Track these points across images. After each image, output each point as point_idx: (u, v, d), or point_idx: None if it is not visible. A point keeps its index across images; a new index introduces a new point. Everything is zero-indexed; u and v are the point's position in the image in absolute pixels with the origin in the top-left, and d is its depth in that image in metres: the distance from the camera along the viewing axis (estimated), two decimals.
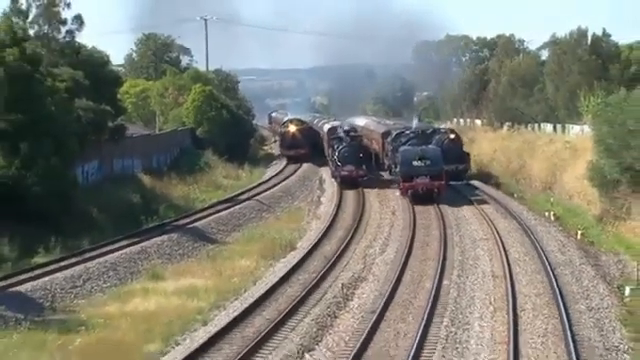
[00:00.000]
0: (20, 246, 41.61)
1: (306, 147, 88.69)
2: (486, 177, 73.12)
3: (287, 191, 70.36)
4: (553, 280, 35.92)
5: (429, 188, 59.80)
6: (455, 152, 70.37)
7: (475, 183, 70.01)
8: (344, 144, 70.80)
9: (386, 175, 74.38)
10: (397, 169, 64.66)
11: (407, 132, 71.02)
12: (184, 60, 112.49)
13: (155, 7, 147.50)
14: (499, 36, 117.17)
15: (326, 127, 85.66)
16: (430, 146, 64.52)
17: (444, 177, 61.16)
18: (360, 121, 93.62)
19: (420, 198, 59.00)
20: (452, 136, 73.26)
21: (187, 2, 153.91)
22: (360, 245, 46.49)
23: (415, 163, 60.67)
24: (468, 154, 73.92)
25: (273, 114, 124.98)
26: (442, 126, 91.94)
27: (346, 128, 76.73)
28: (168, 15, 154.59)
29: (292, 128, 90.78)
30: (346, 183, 68.32)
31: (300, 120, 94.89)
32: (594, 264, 40.23)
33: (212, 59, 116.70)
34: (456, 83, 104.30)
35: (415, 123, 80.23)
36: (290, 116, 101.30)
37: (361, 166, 69.87)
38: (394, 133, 72.98)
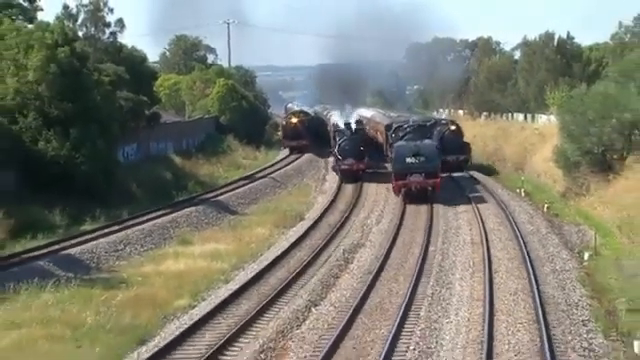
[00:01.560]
0: (70, 216, 41.74)
1: (307, 138, 78.70)
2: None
3: (297, 170, 70.16)
4: (523, 246, 35.93)
5: (423, 186, 49.25)
6: (456, 143, 62.58)
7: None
8: (344, 137, 61.02)
9: (390, 167, 64.30)
10: (391, 166, 54.11)
11: (405, 126, 59.21)
12: (210, 58, 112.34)
13: (174, 12, 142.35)
14: (479, 38, 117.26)
15: (333, 119, 75.91)
16: (426, 141, 52.61)
17: (439, 175, 50.85)
18: (367, 112, 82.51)
19: (413, 197, 49.58)
20: (453, 127, 64.91)
21: (208, 7, 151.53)
22: (359, 217, 46.55)
23: (409, 160, 49.82)
24: (469, 144, 65.49)
25: (288, 105, 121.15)
26: (443, 117, 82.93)
27: (347, 120, 67.07)
28: (188, 19, 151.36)
29: (294, 119, 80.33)
30: (346, 177, 59.76)
31: (304, 112, 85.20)
32: (558, 233, 40.23)
33: (233, 57, 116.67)
34: (443, 79, 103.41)
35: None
36: (305, 108, 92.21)
37: (362, 159, 60.26)
38: (394, 126, 61.94)
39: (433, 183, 49.46)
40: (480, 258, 34.30)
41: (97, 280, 32.05)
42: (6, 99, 44.66)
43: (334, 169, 63.20)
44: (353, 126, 64.70)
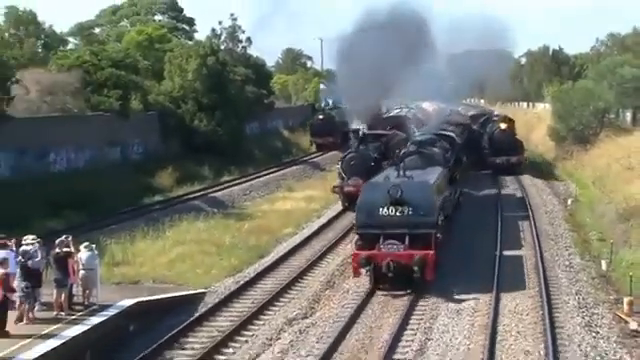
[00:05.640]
0: (214, 170, 42.36)
1: (334, 135, 52.64)
2: None
3: None
4: (525, 195, 35.40)
5: (404, 263, 19.11)
6: (506, 143, 41.58)
7: None
8: (351, 150, 32.61)
9: None
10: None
11: (418, 135, 30.43)
12: (309, 63, 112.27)
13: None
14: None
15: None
16: (419, 176, 21.65)
17: (436, 241, 19.62)
18: (429, 107, 49.35)
19: (387, 279, 19.74)
20: (503, 126, 42.50)
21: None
22: None
23: (383, 211, 19.72)
24: (522, 143, 43.68)
25: None
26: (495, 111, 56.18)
27: (355, 127, 35.66)
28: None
29: (320, 116, 57.10)
30: (351, 202, 29.00)
31: (338, 108, 56.39)
32: (550, 186, 39.43)
33: (325, 62, 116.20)
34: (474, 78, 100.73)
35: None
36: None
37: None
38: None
39: (421, 259, 19.13)
40: (493, 202, 33.83)
41: (232, 214, 32.45)
42: (174, 92, 45.51)
43: (334, 191, 32.37)
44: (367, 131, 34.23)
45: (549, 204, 33.61)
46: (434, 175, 22.67)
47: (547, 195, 36.11)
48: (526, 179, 41.05)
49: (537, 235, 26.28)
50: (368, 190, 20.58)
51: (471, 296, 19.26)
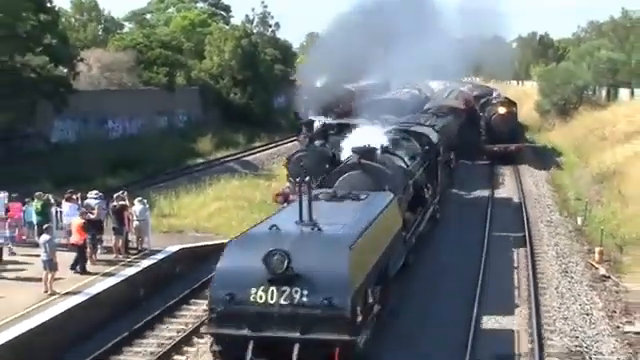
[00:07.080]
0: (247, 137, 42.39)
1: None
2: None
3: None
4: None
5: None
6: (505, 130, 32.04)
7: None
8: (301, 148, 20.35)
9: None
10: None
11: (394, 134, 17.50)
12: None
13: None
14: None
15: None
16: (333, 220, 9.31)
17: (348, 357, 7.50)
18: (436, 86, 41.50)
19: None
20: (502, 110, 32.59)
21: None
22: None
23: (257, 296, 8.18)
24: (522, 129, 35.73)
25: None
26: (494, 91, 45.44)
27: (310, 118, 22.55)
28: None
29: (306, 97, 37.08)
30: None
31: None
32: (535, 153, 38.79)
33: None
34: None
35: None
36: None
37: None
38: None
39: None
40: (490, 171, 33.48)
41: (261, 175, 32.45)
42: (213, 69, 45.41)
43: (276, 200, 20.56)
44: (317, 125, 22.52)
45: (534, 170, 33.25)
46: (369, 215, 10.74)
47: (532, 162, 35.62)
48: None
49: (523, 195, 26.02)
50: (234, 252, 9.75)
51: None
